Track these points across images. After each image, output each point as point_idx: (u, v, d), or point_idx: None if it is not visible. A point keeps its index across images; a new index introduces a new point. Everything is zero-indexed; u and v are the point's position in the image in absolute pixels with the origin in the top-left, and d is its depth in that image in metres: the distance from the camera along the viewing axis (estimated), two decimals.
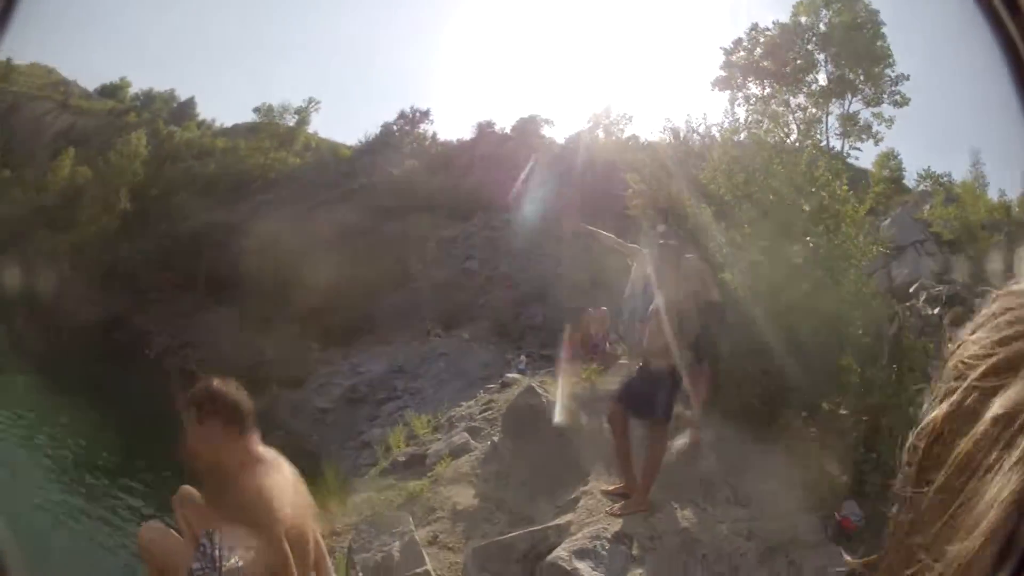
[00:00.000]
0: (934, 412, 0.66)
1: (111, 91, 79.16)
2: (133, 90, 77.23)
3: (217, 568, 3.12)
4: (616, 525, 5.00)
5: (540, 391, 7.93)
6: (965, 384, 0.63)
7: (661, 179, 9.34)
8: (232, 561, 3.15)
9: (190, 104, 70.33)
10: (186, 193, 47.96)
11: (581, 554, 4.69)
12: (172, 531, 3.31)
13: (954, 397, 0.65)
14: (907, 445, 0.68)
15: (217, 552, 3.15)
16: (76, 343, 36.81)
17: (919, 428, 0.67)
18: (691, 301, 5.77)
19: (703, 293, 6.31)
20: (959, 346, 0.68)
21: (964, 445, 0.60)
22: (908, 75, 26.53)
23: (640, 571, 4.61)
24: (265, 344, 35.88)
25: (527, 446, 7.19)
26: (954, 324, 3.92)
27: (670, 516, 5.12)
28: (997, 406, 0.58)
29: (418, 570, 4.74)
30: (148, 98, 71.91)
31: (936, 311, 10.47)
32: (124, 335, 39.59)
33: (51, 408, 23.34)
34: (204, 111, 73.94)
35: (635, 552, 4.73)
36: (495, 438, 7.89)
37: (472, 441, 8.41)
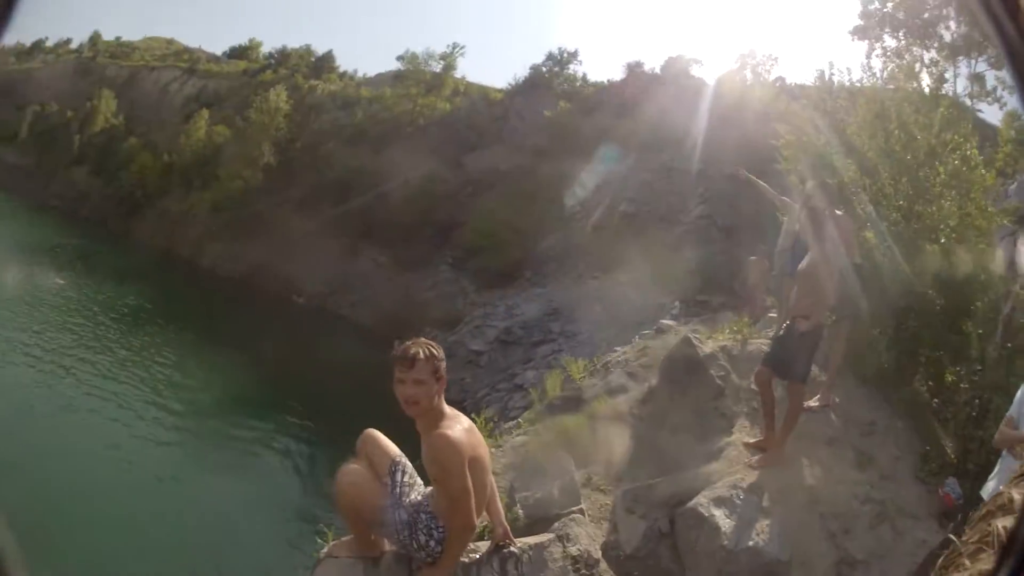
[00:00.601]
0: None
1: (241, 52, 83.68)
2: (265, 49, 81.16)
3: (401, 502, 3.86)
4: (752, 476, 5.71)
5: (696, 342, 8.34)
6: None
7: (809, 132, 9.58)
8: (414, 496, 3.92)
9: (328, 58, 73.45)
10: (333, 143, 49.70)
11: (718, 502, 5.45)
12: (367, 472, 3.97)
13: None
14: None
15: (399, 489, 3.91)
16: (222, 295, 40.15)
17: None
18: (836, 263, 6.20)
19: (847, 254, 6.82)
20: None
21: None
22: None
23: (767, 522, 5.28)
24: (418, 287, 37.80)
25: (682, 396, 7.74)
26: None
27: (799, 473, 5.77)
28: None
29: (573, 508, 5.60)
30: (282, 55, 75.36)
31: None
32: (272, 284, 41.79)
33: (199, 360, 25.49)
34: (344, 63, 76.05)
35: (765, 504, 5.41)
36: (651, 382, 8.46)
37: (629, 382, 9.16)
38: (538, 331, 28.42)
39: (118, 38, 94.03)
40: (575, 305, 29.17)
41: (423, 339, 3.91)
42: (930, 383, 6.92)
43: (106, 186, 60.86)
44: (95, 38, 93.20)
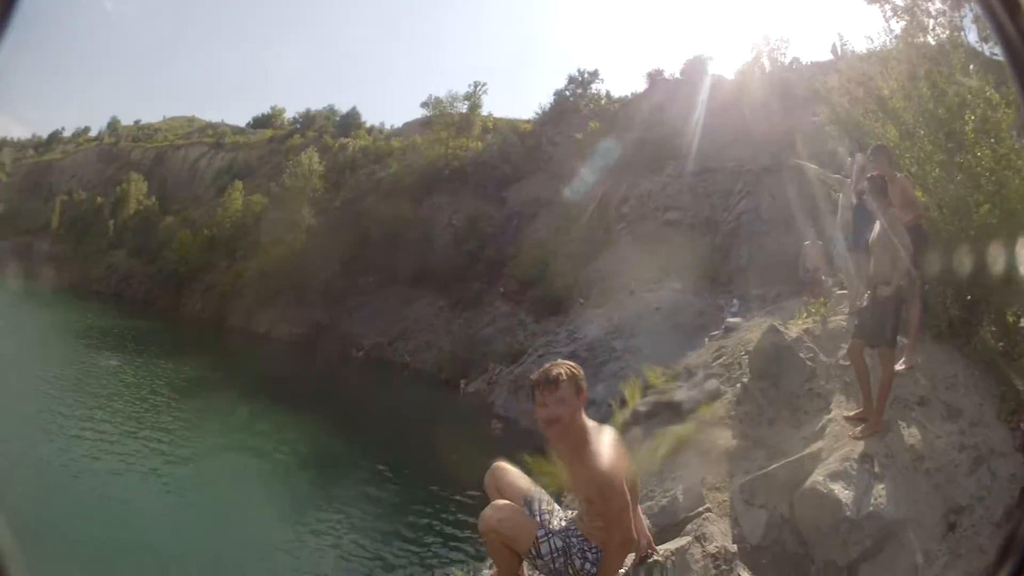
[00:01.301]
0: None
1: (265, 121, 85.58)
2: (289, 114, 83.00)
3: (551, 530, 3.82)
4: (859, 447, 6.04)
5: (781, 329, 8.76)
6: None
7: (847, 104, 9.80)
8: (556, 522, 3.89)
9: (354, 114, 75.55)
10: (372, 198, 50.93)
11: (834, 476, 5.80)
12: (514, 506, 3.92)
13: None
14: None
15: (541, 517, 3.89)
16: (281, 358, 40.99)
17: None
18: (903, 226, 6.49)
19: (911, 214, 7.13)
20: None
21: None
22: None
23: (881, 486, 5.61)
24: (477, 325, 38.60)
25: (774, 386, 8.17)
26: None
27: (899, 436, 6.08)
28: None
29: (700, 508, 5.91)
30: (307, 118, 77.62)
31: None
32: (329, 342, 42.84)
33: (271, 423, 26.14)
34: (369, 117, 77.63)
35: (876, 469, 5.75)
36: (744, 380, 8.92)
37: (722, 386, 9.50)
38: (603, 351, 28.65)
39: (137, 121, 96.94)
40: (635, 320, 29.47)
41: (561, 360, 3.90)
42: (993, 328, 7.12)
43: (148, 266, 63.13)
44: (114, 124, 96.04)
